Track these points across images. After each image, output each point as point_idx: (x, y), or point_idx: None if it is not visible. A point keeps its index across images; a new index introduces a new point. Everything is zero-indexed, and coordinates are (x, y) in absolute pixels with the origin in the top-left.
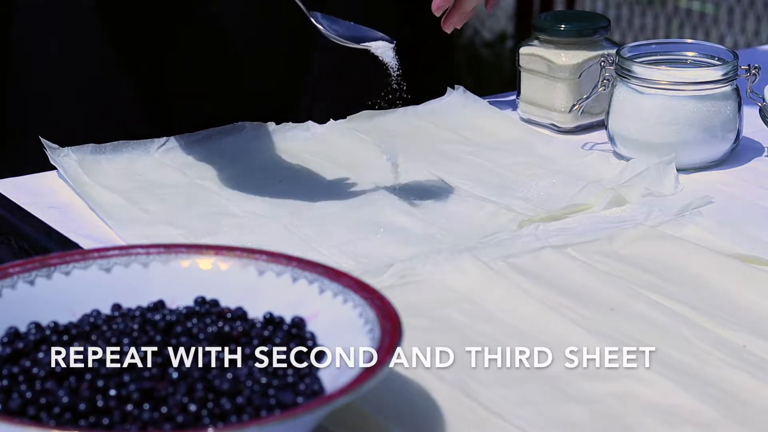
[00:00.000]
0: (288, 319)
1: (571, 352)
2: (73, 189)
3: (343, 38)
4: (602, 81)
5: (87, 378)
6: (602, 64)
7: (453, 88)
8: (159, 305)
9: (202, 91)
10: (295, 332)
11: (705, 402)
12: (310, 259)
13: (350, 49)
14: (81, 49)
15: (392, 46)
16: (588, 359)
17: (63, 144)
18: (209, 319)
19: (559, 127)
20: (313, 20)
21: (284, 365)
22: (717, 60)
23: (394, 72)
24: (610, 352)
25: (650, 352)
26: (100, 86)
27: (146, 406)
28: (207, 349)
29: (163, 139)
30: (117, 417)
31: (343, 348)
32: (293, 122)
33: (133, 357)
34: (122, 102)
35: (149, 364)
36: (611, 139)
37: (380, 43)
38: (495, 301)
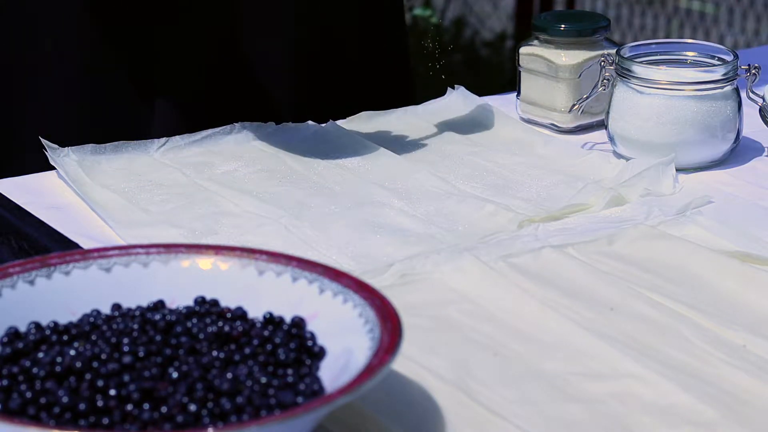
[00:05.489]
0: (288, 319)
1: (571, 351)
2: (73, 189)
3: None
4: (602, 81)
5: (87, 378)
6: (602, 64)
7: (453, 87)
8: (159, 305)
9: (202, 89)
10: (295, 332)
11: (705, 402)
12: (310, 259)
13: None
14: (76, 47)
15: None
16: (588, 359)
17: (63, 144)
18: (209, 319)
19: (559, 127)
20: None
21: (284, 365)
22: (717, 60)
23: None
24: (610, 352)
25: (650, 352)
26: (99, 84)
27: (146, 406)
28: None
29: (163, 139)
30: (117, 417)
31: (343, 348)
32: (293, 122)
33: (133, 357)
34: (121, 100)
35: (149, 364)
36: (611, 139)
37: None
38: (495, 301)
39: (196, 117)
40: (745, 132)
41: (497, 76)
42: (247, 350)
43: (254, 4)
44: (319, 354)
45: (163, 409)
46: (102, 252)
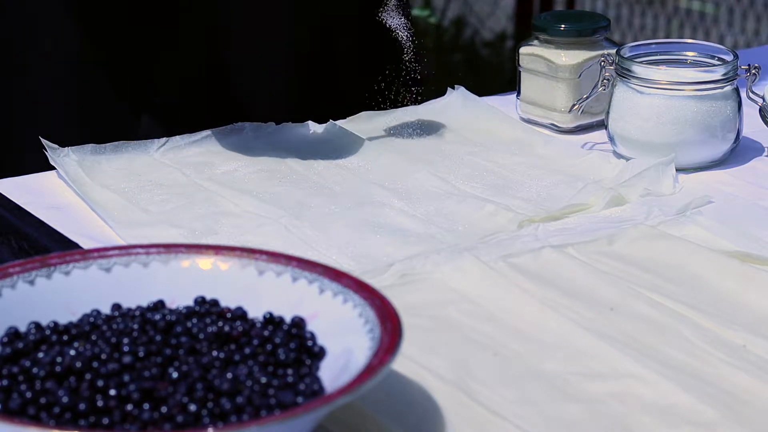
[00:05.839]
0: (288, 319)
1: (571, 351)
2: (73, 189)
3: None
4: (602, 81)
5: (87, 378)
6: (602, 64)
7: (453, 87)
8: (159, 305)
9: (201, 91)
10: (295, 332)
11: (705, 402)
12: (310, 259)
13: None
14: (76, 48)
15: None
16: (588, 359)
17: (62, 144)
18: (209, 319)
19: (559, 127)
20: None
21: (284, 365)
22: (717, 60)
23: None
24: (610, 352)
25: (650, 352)
26: (99, 85)
27: (146, 406)
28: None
29: (163, 139)
30: (117, 417)
31: (343, 348)
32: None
33: (133, 357)
34: (120, 100)
35: (149, 364)
36: (611, 139)
37: None
38: (495, 301)
39: (196, 117)
40: (745, 132)
41: (497, 76)
42: (247, 350)
43: (254, 3)
44: (319, 354)
45: (163, 409)
46: (102, 252)
